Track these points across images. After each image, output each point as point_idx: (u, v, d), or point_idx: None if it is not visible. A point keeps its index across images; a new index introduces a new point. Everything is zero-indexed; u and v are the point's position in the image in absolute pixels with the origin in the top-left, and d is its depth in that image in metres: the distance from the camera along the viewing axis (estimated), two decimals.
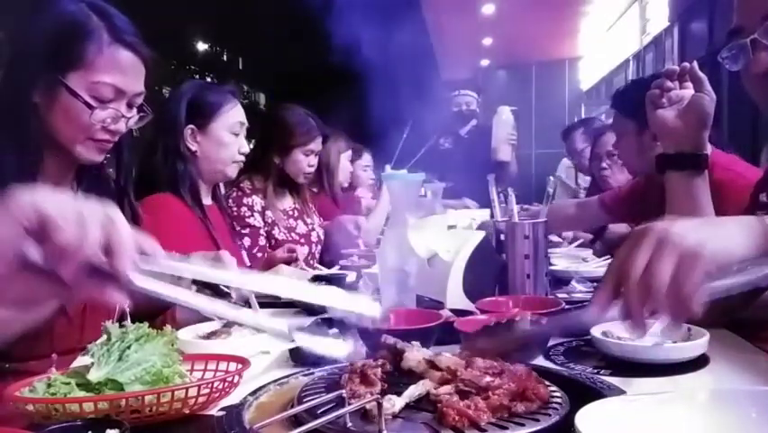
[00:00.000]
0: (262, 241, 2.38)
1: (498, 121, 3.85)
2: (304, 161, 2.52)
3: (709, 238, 0.71)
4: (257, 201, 2.43)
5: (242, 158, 2.00)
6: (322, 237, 2.66)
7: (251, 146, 2.57)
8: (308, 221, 2.60)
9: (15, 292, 0.63)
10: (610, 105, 2.06)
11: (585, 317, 0.81)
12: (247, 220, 2.37)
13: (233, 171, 2.00)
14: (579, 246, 2.52)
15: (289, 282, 0.76)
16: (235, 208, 2.35)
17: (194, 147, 1.92)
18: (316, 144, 2.56)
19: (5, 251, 0.61)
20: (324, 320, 1.22)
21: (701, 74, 1.29)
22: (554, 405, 0.76)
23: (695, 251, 0.69)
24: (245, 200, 2.41)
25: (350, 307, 0.70)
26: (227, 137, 1.95)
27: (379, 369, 0.83)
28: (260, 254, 2.32)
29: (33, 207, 0.61)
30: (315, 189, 3.04)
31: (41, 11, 1.23)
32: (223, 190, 2.27)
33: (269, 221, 2.44)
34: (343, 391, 0.77)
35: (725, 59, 1.11)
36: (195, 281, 0.98)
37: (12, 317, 0.69)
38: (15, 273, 0.62)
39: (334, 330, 1.09)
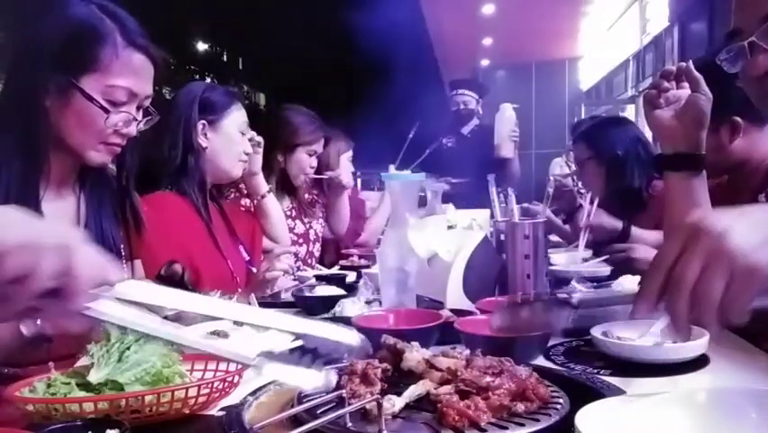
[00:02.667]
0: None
1: (500, 118, 3.85)
2: (306, 162, 2.53)
3: (764, 246, 0.67)
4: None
5: (246, 158, 2.00)
6: (320, 236, 2.66)
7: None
8: (306, 220, 2.60)
9: None
10: (572, 137, 2.13)
11: (627, 312, 0.77)
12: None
13: (238, 171, 1.99)
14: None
15: (254, 310, 0.72)
16: (226, 203, 2.34)
17: (204, 143, 1.91)
18: (319, 146, 2.56)
19: None
20: (325, 321, 1.22)
21: (697, 74, 1.28)
22: (554, 405, 0.76)
23: (752, 269, 0.66)
24: (243, 201, 2.41)
25: (327, 335, 0.67)
26: (237, 135, 1.95)
27: (380, 369, 0.83)
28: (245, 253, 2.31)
29: None
30: (315, 191, 3.04)
31: (51, 13, 1.22)
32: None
33: None
34: (343, 391, 0.77)
35: (723, 62, 1.11)
36: None
37: None
38: None
39: (308, 357, 1.09)
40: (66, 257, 0.61)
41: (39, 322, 1.04)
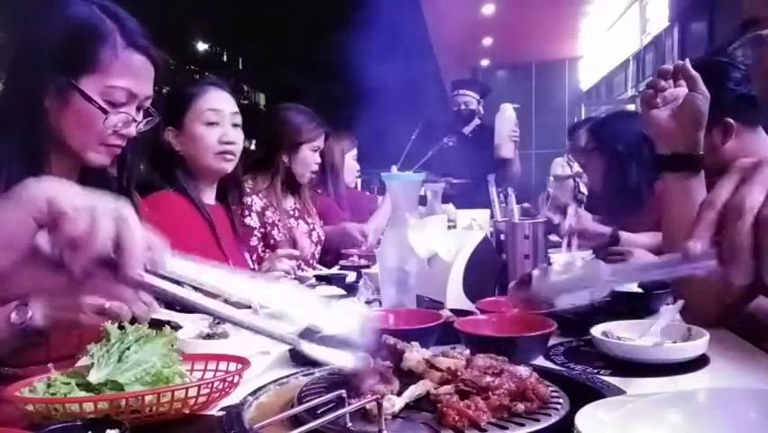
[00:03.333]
0: (254, 241, 2.37)
1: (500, 118, 3.87)
2: (311, 158, 2.55)
3: None
4: (256, 201, 2.43)
5: (228, 147, 1.87)
6: (322, 237, 2.66)
7: (253, 146, 2.58)
8: (309, 221, 2.61)
9: (23, 282, 0.65)
10: (569, 137, 2.10)
11: (671, 263, 0.66)
12: (243, 219, 2.37)
13: (219, 164, 1.88)
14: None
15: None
16: (233, 207, 2.34)
17: (177, 147, 1.87)
18: (321, 141, 2.59)
19: (17, 240, 0.61)
20: None
21: (695, 73, 1.27)
22: (554, 405, 0.76)
23: None
24: (245, 199, 2.41)
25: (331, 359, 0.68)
26: (199, 129, 1.85)
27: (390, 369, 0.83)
28: (247, 255, 2.31)
29: (46, 197, 0.61)
30: (319, 190, 3.04)
31: (53, 13, 1.22)
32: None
33: (270, 221, 2.44)
34: (343, 391, 0.77)
35: (735, 51, 1.09)
36: None
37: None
38: (25, 264, 0.62)
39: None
40: (120, 226, 0.62)
41: (30, 314, 1.03)
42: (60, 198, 0.61)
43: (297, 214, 2.57)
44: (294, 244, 2.26)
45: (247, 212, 2.39)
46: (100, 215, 0.61)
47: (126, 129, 1.24)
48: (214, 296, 0.69)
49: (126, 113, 1.23)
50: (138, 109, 1.26)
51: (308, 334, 0.68)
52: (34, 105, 1.18)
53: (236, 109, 1.93)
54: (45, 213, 0.61)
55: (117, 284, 0.63)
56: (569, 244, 2.07)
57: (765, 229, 0.57)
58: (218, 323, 1.22)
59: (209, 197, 1.95)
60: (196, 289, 0.67)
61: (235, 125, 1.91)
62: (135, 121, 1.25)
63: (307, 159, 2.53)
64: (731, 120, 1.56)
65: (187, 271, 0.67)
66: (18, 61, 1.24)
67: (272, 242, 2.42)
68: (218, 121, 1.87)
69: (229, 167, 1.91)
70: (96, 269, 0.62)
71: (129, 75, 1.22)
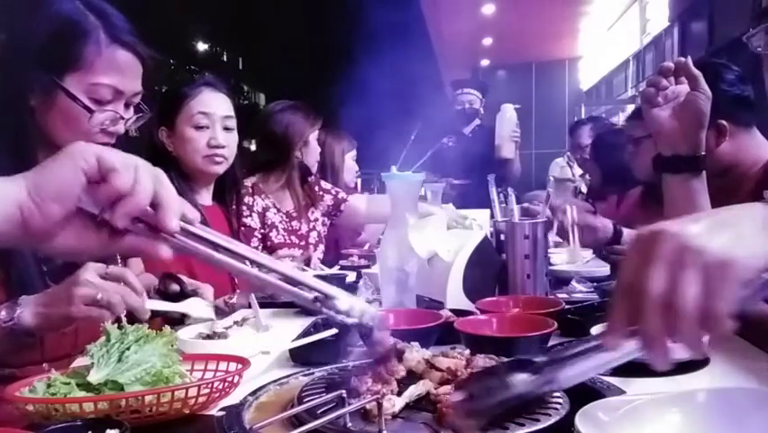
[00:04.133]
0: (255, 242, 2.37)
1: (501, 118, 3.87)
2: (316, 148, 2.67)
3: (734, 245, 0.57)
4: (258, 201, 2.44)
5: (216, 151, 1.85)
6: (323, 237, 2.66)
7: (252, 147, 2.59)
8: (311, 217, 2.60)
9: (68, 240, 0.65)
10: (570, 136, 2.10)
11: (597, 359, 0.63)
12: (243, 219, 2.37)
13: (208, 167, 1.87)
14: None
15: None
16: (233, 207, 2.34)
17: (170, 148, 1.87)
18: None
19: (67, 193, 0.63)
20: (325, 321, 1.22)
21: (696, 71, 1.24)
22: (554, 405, 0.76)
23: (723, 261, 0.56)
24: (246, 199, 2.41)
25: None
26: (189, 132, 1.85)
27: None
28: None
29: (94, 152, 0.64)
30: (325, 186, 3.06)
31: (36, 11, 1.20)
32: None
33: (269, 222, 2.44)
34: (343, 391, 0.77)
35: (750, 40, 1.07)
36: None
37: None
38: (71, 220, 0.65)
39: (332, 331, 1.10)
40: (158, 184, 0.65)
41: (18, 311, 1.04)
42: (109, 156, 0.64)
43: (296, 215, 2.57)
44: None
45: (248, 212, 2.39)
46: (142, 172, 0.64)
47: (114, 127, 1.22)
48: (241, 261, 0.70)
49: (113, 110, 1.21)
50: (127, 106, 1.25)
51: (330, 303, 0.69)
52: (20, 105, 1.17)
53: (230, 112, 1.90)
54: (95, 167, 0.63)
55: (154, 240, 0.66)
56: (572, 240, 2.08)
57: (673, 316, 0.56)
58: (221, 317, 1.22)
59: (205, 197, 1.94)
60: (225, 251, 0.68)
61: (227, 129, 1.89)
62: (123, 118, 1.23)
63: (316, 149, 2.66)
64: (725, 122, 1.54)
65: (214, 236, 0.69)
66: (3, 60, 1.23)
67: (269, 243, 2.41)
68: (208, 124, 1.85)
69: (219, 169, 1.90)
70: (136, 224, 0.65)
71: (114, 72, 1.20)
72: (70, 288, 1.05)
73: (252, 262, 0.70)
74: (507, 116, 3.86)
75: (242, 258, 0.69)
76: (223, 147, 1.87)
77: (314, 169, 2.67)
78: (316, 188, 2.67)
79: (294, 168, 2.52)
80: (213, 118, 1.86)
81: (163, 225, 0.65)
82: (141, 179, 0.64)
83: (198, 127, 1.84)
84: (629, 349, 0.59)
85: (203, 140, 1.84)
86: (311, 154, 2.64)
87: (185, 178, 1.88)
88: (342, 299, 0.68)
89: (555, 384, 0.65)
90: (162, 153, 1.86)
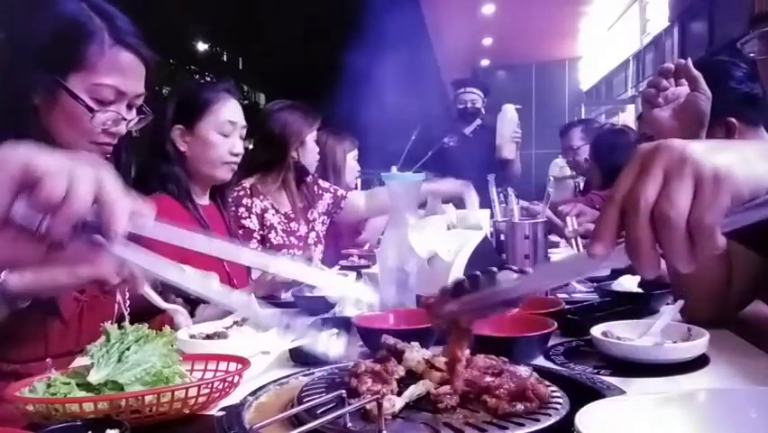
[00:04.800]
0: (254, 244, 2.37)
1: (502, 119, 3.87)
2: (314, 148, 2.63)
3: (736, 162, 0.57)
4: (257, 203, 2.43)
5: (235, 159, 1.93)
6: (322, 237, 2.66)
7: (251, 146, 2.58)
8: (310, 217, 2.60)
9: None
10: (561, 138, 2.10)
11: (582, 261, 0.64)
12: (242, 221, 2.37)
13: (223, 174, 1.93)
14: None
15: (292, 265, 0.75)
16: (233, 208, 2.34)
17: (183, 147, 1.89)
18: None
19: None
20: (325, 320, 1.22)
21: (696, 72, 1.26)
22: (554, 405, 0.76)
23: (720, 173, 0.55)
24: (245, 201, 2.41)
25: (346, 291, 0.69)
26: (214, 137, 1.89)
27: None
28: None
29: (19, 162, 0.59)
30: (324, 186, 3.06)
31: (40, 11, 1.21)
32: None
33: (268, 224, 2.43)
34: (343, 391, 0.77)
35: (745, 46, 1.08)
36: None
37: None
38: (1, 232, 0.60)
39: (332, 331, 1.10)
40: (100, 185, 0.60)
41: (2, 277, 1.01)
42: (35, 163, 0.59)
43: (295, 216, 2.57)
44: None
45: (246, 214, 2.39)
46: (78, 174, 0.60)
47: (116, 127, 1.22)
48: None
49: (115, 111, 1.21)
50: (130, 107, 1.25)
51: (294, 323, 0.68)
52: (23, 104, 1.17)
53: (245, 122, 1.99)
54: (19, 178, 0.59)
55: (98, 251, 0.62)
56: (576, 248, 2.08)
57: (661, 224, 0.55)
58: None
59: (203, 198, 1.96)
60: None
61: (241, 137, 1.98)
62: (125, 119, 1.23)
63: (313, 150, 2.62)
64: (734, 119, 1.55)
65: (170, 235, 0.66)
66: (7, 59, 1.23)
67: (268, 245, 2.41)
68: (231, 133, 1.92)
69: (230, 176, 1.97)
70: (76, 234, 0.60)
71: (117, 73, 1.20)
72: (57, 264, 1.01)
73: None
74: (509, 117, 3.86)
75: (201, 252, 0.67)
76: (239, 155, 1.94)
77: (312, 169, 2.65)
78: (315, 188, 2.67)
79: (290, 169, 2.51)
80: (236, 127, 1.93)
81: (107, 230, 0.60)
82: (77, 182, 0.59)
83: (224, 134, 1.91)
84: (615, 257, 0.59)
85: (225, 147, 1.90)
86: (308, 155, 2.61)
87: (189, 177, 1.90)
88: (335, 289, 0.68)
89: (536, 284, 0.69)
90: (170, 151, 1.88)
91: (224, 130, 1.90)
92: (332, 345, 0.69)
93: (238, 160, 1.94)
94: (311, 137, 2.59)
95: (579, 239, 2.08)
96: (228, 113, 1.91)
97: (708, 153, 0.56)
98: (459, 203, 2.11)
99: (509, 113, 3.86)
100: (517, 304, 0.77)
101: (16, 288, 1.02)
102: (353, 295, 0.70)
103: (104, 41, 1.19)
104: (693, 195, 0.55)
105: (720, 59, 1.62)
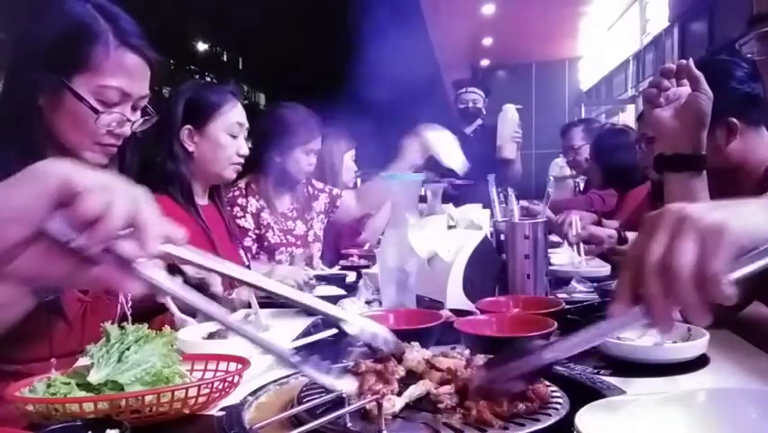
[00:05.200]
0: (248, 242, 2.37)
1: (503, 119, 3.87)
2: (305, 161, 2.52)
3: (732, 216, 0.62)
4: (252, 202, 2.43)
5: (241, 160, 1.97)
6: (321, 235, 2.65)
7: (250, 146, 2.58)
8: (308, 218, 2.60)
9: (28, 265, 0.61)
10: (562, 139, 2.10)
11: (604, 328, 0.69)
12: (237, 220, 2.37)
13: (230, 174, 1.98)
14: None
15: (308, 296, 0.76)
16: (228, 207, 2.34)
17: (191, 147, 1.91)
18: (317, 143, 2.55)
19: (27, 215, 0.59)
20: (325, 321, 1.22)
21: (698, 72, 1.25)
22: (554, 405, 0.76)
23: (718, 227, 0.60)
24: (240, 201, 2.41)
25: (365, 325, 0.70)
26: (224, 138, 1.93)
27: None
28: (241, 253, 2.31)
29: (59, 176, 0.60)
30: (319, 187, 3.05)
31: (46, 12, 1.21)
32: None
33: (265, 223, 2.43)
34: (343, 391, 0.77)
35: (743, 47, 1.08)
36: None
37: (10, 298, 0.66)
38: (30, 244, 0.60)
39: (332, 331, 1.09)
40: (136, 206, 0.61)
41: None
42: (75, 178, 0.59)
43: (294, 215, 2.57)
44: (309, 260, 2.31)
45: (241, 213, 2.39)
46: (117, 195, 0.60)
47: (120, 129, 1.22)
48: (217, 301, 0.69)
49: (120, 112, 1.21)
50: (134, 109, 1.25)
51: (307, 359, 0.69)
52: (29, 105, 1.17)
53: (248, 123, 2.03)
54: (58, 192, 0.59)
55: (126, 271, 0.62)
56: (578, 252, 2.08)
57: (668, 277, 0.60)
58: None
59: (203, 198, 1.97)
60: (199, 289, 0.68)
61: (245, 138, 2.02)
62: (130, 121, 1.23)
63: (300, 161, 2.51)
64: (735, 120, 1.54)
65: (200, 259, 0.67)
66: (13, 60, 1.23)
67: (266, 244, 2.41)
68: (239, 134, 1.96)
69: (234, 176, 2.02)
70: (107, 253, 0.60)
71: (122, 74, 1.20)
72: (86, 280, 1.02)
73: (242, 282, 0.69)
74: (509, 117, 3.86)
75: (231, 278, 0.67)
76: (244, 156, 1.99)
77: (298, 176, 2.55)
78: (309, 189, 2.66)
79: (272, 172, 2.48)
80: (243, 128, 1.98)
81: (140, 250, 0.60)
82: (115, 201, 0.59)
83: (233, 135, 1.94)
84: (633, 316, 0.64)
85: (233, 148, 1.94)
86: (293, 165, 2.50)
87: (193, 177, 1.91)
88: (352, 323, 0.68)
89: (561, 353, 0.74)
90: (177, 151, 1.89)
91: (233, 131, 1.94)
92: (338, 380, 0.70)
93: (242, 160, 1.98)
94: (301, 149, 2.49)
95: (581, 244, 2.09)
96: (237, 115, 1.96)
97: (706, 211, 0.62)
98: (459, 203, 2.11)
99: (510, 113, 3.86)
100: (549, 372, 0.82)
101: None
102: (370, 331, 0.71)
103: (109, 42, 1.19)
104: (697, 249, 0.60)
105: (721, 59, 1.61)
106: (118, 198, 0.60)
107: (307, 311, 1.52)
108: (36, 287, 0.67)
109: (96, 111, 1.18)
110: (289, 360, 0.67)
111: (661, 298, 0.61)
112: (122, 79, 1.20)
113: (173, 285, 0.65)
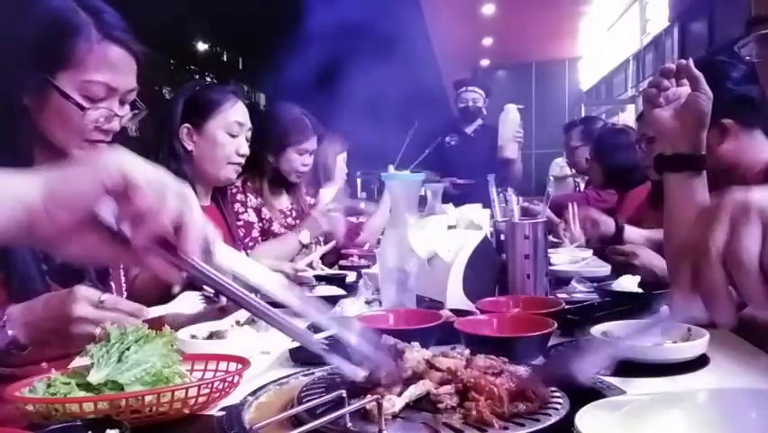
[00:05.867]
0: (255, 233, 2.38)
1: (504, 119, 3.89)
2: (297, 161, 2.51)
3: None
4: (251, 198, 2.44)
5: (240, 160, 1.97)
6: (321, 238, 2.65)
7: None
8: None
9: (77, 248, 0.64)
10: (565, 136, 2.11)
11: (665, 319, 0.69)
12: (241, 216, 2.38)
13: (229, 173, 1.96)
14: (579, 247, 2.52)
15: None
16: (229, 205, 2.34)
17: (189, 146, 1.91)
18: (311, 144, 2.54)
19: (80, 202, 0.61)
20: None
21: (697, 72, 1.26)
22: (554, 405, 0.76)
23: None
24: (239, 197, 2.42)
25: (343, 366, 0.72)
26: (222, 137, 1.92)
27: None
28: (251, 244, 2.32)
29: (119, 167, 0.61)
30: (311, 191, 3.04)
31: (27, 8, 1.18)
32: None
33: (267, 217, 2.44)
34: (343, 391, 0.77)
35: (741, 49, 1.09)
36: None
37: None
38: (83, 229, 0.62)
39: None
40: (183, 206, 0.63)
41: (10, 332, 1.04)
42: (135, 171, 0.61)
43: (293, 214, 2.57)
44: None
45: (243, 209, 2.40)
46: (168, 192, 0.62)
47: (108, 124, 1.20)
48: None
49: (106, 108, 1.19)
50: (122, 103, 1.23)
51: (337, 347, 0.71)
52: (14, 104, 1.15)
53: (250, 124, 2.01)
54: (117, 182, 0.61)
55: (170, 263, 0.64)
56: (572, 228, 2.11)
57: (735, 267, 0.57)
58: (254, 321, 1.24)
59: (205, 199, 1.97)
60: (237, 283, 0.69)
61: (247, 138, 2.01)
62: (118, 116, 1.21)
63: (293, 161, 2.51)
64: (729, 121, 1.54)
65: (234, 261, 0.69)
66: None
67: (272, 236, 2.42)
68: (239, 133, 1.95)
69: (234, 177, 2.01)
70: (155, 245, 0.63)
71: (106, 68, 1.18)
72: (66, 324, 1.03)
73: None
74: (511, 117, 3.87)
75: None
76: (244, 156, 1.98)
77: (291, 178, 2.55)
78: (302, 193, 2.66)
79: (266, 172, 2.49)
80: (243, 128, 1.97)
81: (183, 249, 0.63)
82: (168, 200, 0.62)
83: (232, 135, 1.94)
84: (692, 310, 0.60)
85: (232, 147, 1.94)
86: (286, 165, 2.51)
87: (195, 177, 1.91)
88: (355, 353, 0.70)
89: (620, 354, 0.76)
90: (178, 150, 1.90)
91: (232, 130, 1.93)
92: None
93: (242, 160, 1.98)
94: (294, 149, 2.50)
95: (576, 221, 2.12)
96: (236, 114, 1.95)
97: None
98: (459, 203, 2.11)
99: (511, 113, 3.87)
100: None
101: (23, 342, 1.04)
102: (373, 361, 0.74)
103: (91, 36, 1.17)
104: (762, 238, 0.57)
105: (719, 60, 1.62)
106: (170, 196, 0.62)
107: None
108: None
109: (82, 107, 1.16)
110: (316, 347, 0.70)
111: (725, 287, 0.58)
112: (106, 74, 1.18)
113: (216, 275, 0.66)
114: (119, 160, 0.62)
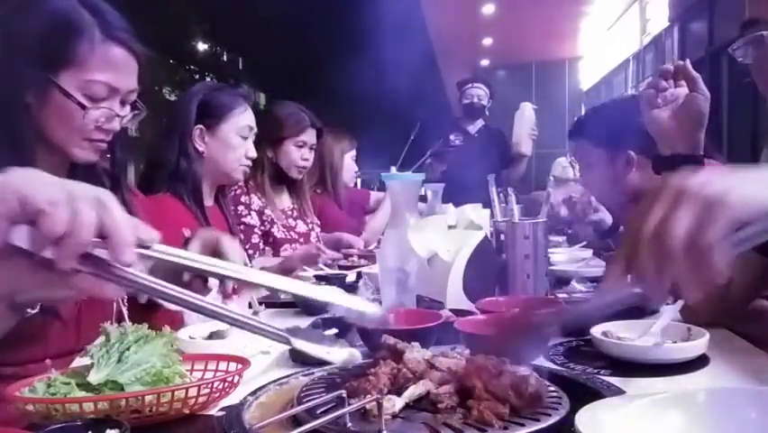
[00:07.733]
0: (255, 239, 2.38)
1: (520, 116, 4.05)
2: (296, 153, 2.52)
3: (735, 185, 0.60)
4: (255, 200, 2.44)
5: (249, 162, 2.01)
6: (320, 237, 2.66)
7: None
8: (308, 220, 2.60)
9: (3, 283, 0.60)
10: (569, 136, 2.06)
11: (596, 301, 0.71)
12: (243, 219, 2.38)
13: (238, 175, 2.01)
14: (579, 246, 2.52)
15: (290, 280, 0.75)
16: (232, 207, 2.34)
17: (201, 147, 1.92)
18: (308, 136, 2.55)
19: None
20: (325, 320, 1.22)
21: (695, 73, 1.27)
22: (554, 405, 0.76)
23: (717, 198, 0.58)
24: (243, 198, 2.42)
25: (350, 304, 0.69)
26: (235, 140, 1.95)
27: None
28: (251, 251, 2.32)
29: (17, 195, 0.57)
30: (318, 190, 3.04)
31: (30, 7, 1.19)
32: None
33: (269, 219, 2.44)
34: (343, 391, 0.77)
35: (736, 51, 1.09)
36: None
37: None
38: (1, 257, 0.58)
39: (332, 331, 1.10)
40: (102, 214, 0.59)
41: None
42: (34, 194, 0.57)
43: (295, 214, 2.57)
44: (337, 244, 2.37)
45: (246, 211, 2.40)
46: (80, 203, 0.58)
47: (109, 124, 1.21)
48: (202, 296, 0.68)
49: (107, 107, 1.20)
50: (123, 104, 1.23)
51: (297, 331, 0.68)
52: (15, 102, 1.16)
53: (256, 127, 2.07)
54: (17, 210, 0.57)
55: (106, 279, 0.60)
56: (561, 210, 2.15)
57: (661, 249, 0.59)
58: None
59: (208, 199, 1.98)
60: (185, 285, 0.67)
61: (253, 141, 2.05)
62: (118, 116, 1.22)
63: (291, 154, 2.52)
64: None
65: (175, 253, 0.65)
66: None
67: (272, 239, 2.42)
68: (249, 137, 2.00)
69: (242, 178, 2.07)
70: (84, 263, 0.59)
71: (108, 69, 1.18)
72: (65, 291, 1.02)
73: (229, 278, 0.68)
74: (527, 115, 4.03)
75: (213, 274, 0.67)
76: (252, 158, 2.03)
77: (291, 173, 2.56)
78: (307, 202, 2.67)
79: (266, 168, 2.50)
80: (252, 132, 2.02)
81: (115, 259, 0.59)
82: (80, 213, 0.57)
83: (243, 138, 1.98)
84: (627, 288, 0.64)
85: (243, 149, 1.98)
86: (285, 159, 2.53)
87: (203, 177, 1.93)
88: (338, 304, 0.68)
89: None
90: (189, 150, 1.91)
91: (244, 133, 1.98)
92: (333, 351, 0.69)
93: (251, 163, 2.02)
94: (291, 142, 2.51)
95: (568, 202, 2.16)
96: (247, 117, 1.99)
97: (704, 184, 0.61)
98: (459, 203, 2.11)
99: (527, 111, 4.04)
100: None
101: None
102: (357, 308, 0.71)
103: (94, 36, 1.17)
104: (693, 219, 0.59)
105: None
106: (83, 208, 0.57)
107: (300, 304, 1.53)
108: (14, 302, 0.66)
109: (83, 107, 1.16)
110: (280, 334, 0.67)
111: (652, 267, 0.60)
112: (108, 74, 1.18)
113: (156, 284, 0.63)
114: (15, 186, 0.58)
